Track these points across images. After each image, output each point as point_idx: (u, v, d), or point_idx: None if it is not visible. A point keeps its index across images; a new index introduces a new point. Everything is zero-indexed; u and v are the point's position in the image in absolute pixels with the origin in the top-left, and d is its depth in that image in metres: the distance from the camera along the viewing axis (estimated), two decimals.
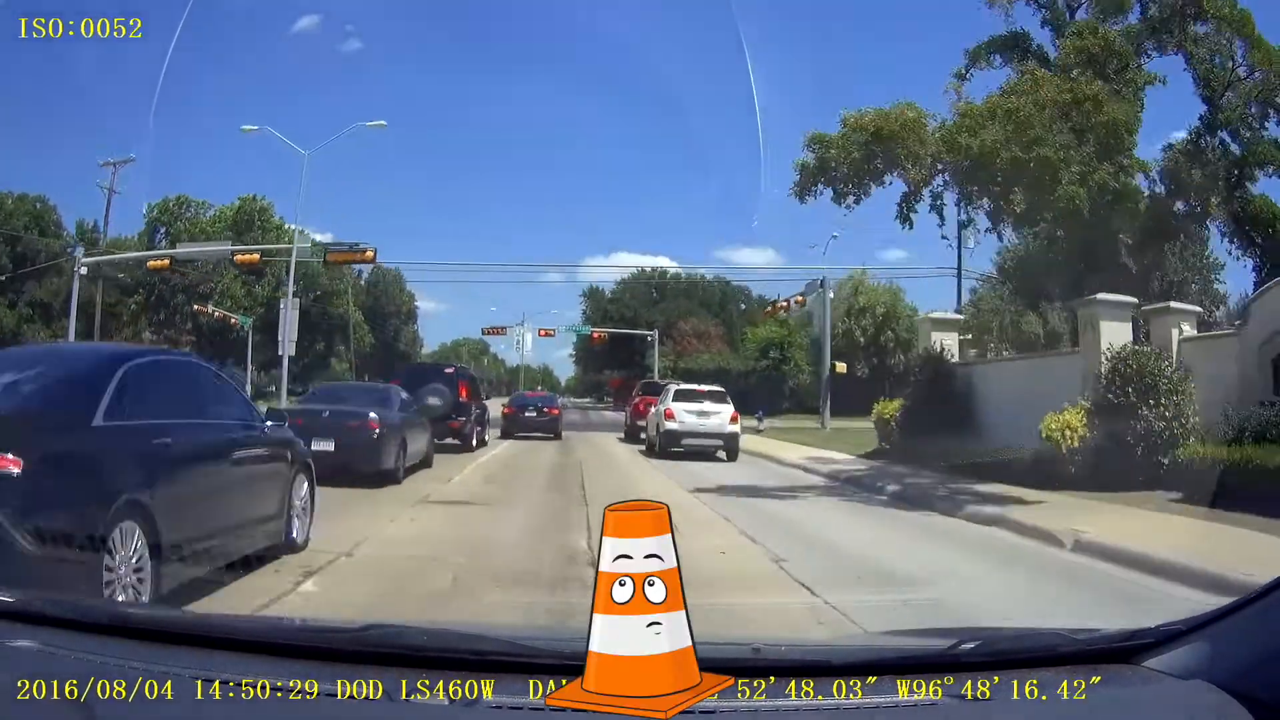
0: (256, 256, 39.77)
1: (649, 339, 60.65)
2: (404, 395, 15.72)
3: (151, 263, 40.57)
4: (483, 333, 69.92)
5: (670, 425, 19.89)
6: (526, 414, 26.51)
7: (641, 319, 67.78)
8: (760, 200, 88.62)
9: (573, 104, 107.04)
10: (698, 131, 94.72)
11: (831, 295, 41.90)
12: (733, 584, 6.53)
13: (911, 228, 14.26)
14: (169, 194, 55.20)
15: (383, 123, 45.28)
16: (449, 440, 19.27)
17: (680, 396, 20.67)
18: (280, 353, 35.35)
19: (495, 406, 28.42)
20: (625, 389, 67.20)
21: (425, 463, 15.41)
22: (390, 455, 12.98)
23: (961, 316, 23.88)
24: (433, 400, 18.67)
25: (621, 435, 28.24)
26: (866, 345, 50.37)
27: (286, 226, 53.42)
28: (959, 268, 38.42)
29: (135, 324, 52.79)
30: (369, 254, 36.74)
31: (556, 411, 27.22)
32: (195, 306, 49.66)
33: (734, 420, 20.29)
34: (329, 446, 11.91)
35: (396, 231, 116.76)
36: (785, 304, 43.98)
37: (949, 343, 19.63)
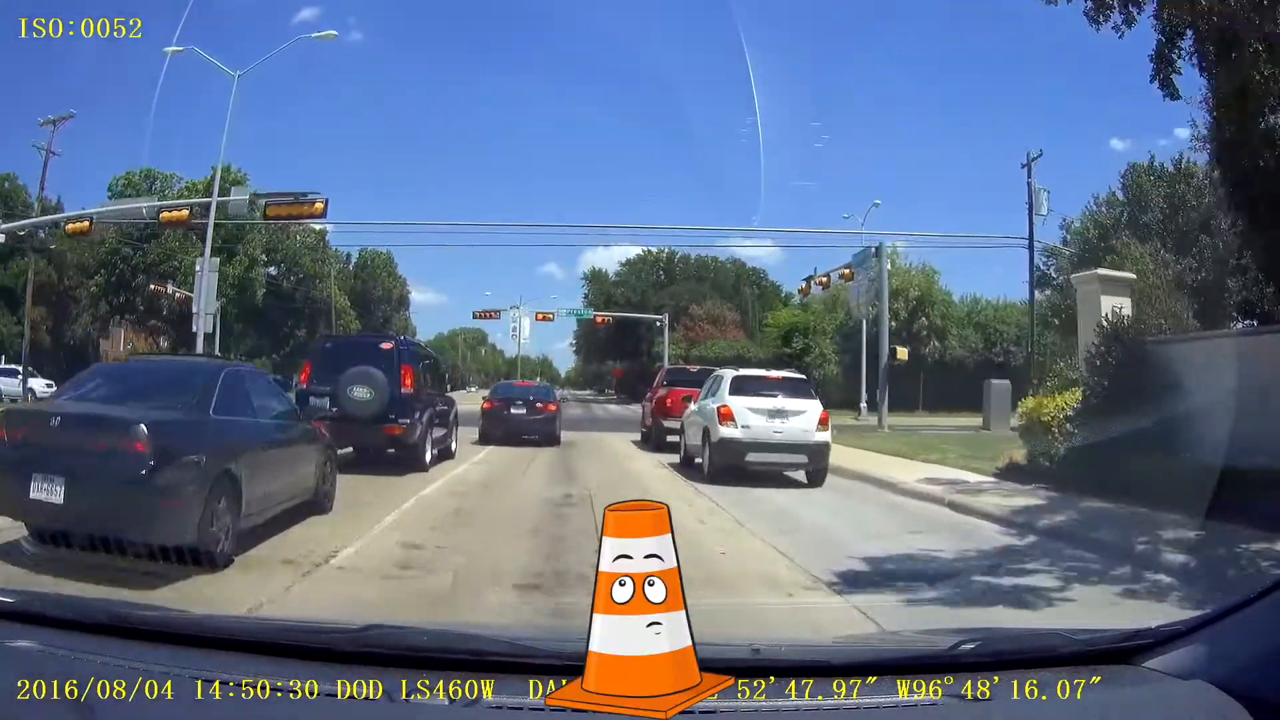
0: (185, 214, 33.42)
1: (658, 324, 55.24)
2: (263, 381, 9.26)
3: (71, 226, 34.64)
4: (474, 316, 61.10)
5: (728, 432, 13.50)
6: (512, 411, 20.45)
7: (649, 303, 61.78)
8: (760, 197, 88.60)
9: (571, 101, 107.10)
10: (698, 129, 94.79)
11: (888, 268, 35.12)
12: None
13: (1176, 97, 10.35)
14: (148, 168, 49.62)
15: (332, 34, 40.39)
16: (392, 452, 13.51)
17: (742, 388, 14.20)
18: (195, 328, 29.79)
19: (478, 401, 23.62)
20: (631, 379, 61.59)
21: (316, 506, 8.98)
22: (186, 515, 6.33)
23: (1133, 276, 17.65)
24: (358, 392, 12.79)
25: (638, 439, 22.18)
26: (898, 331, 42.72)
27: (259, 200, 50.42)
28: (1030, 237, 33.03)
29: (95, 307, 49.76)
30: (318, 206, 29.57)
31: (553, 407, 21.12)
32: (152, 286, 43.93)
33: (824, 424, 13.83)
34: (54, 495, 6.10)
35: (393, 230, 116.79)
36: (825, 279, 37.16)
37: (1125, 310, 13.96)
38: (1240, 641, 1.72)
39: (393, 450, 13.54)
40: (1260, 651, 1.66)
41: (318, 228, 59.11)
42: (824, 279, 37.45)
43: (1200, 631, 1.81)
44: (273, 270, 56.64)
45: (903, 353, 34.07)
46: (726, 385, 14.38)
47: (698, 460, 14.69)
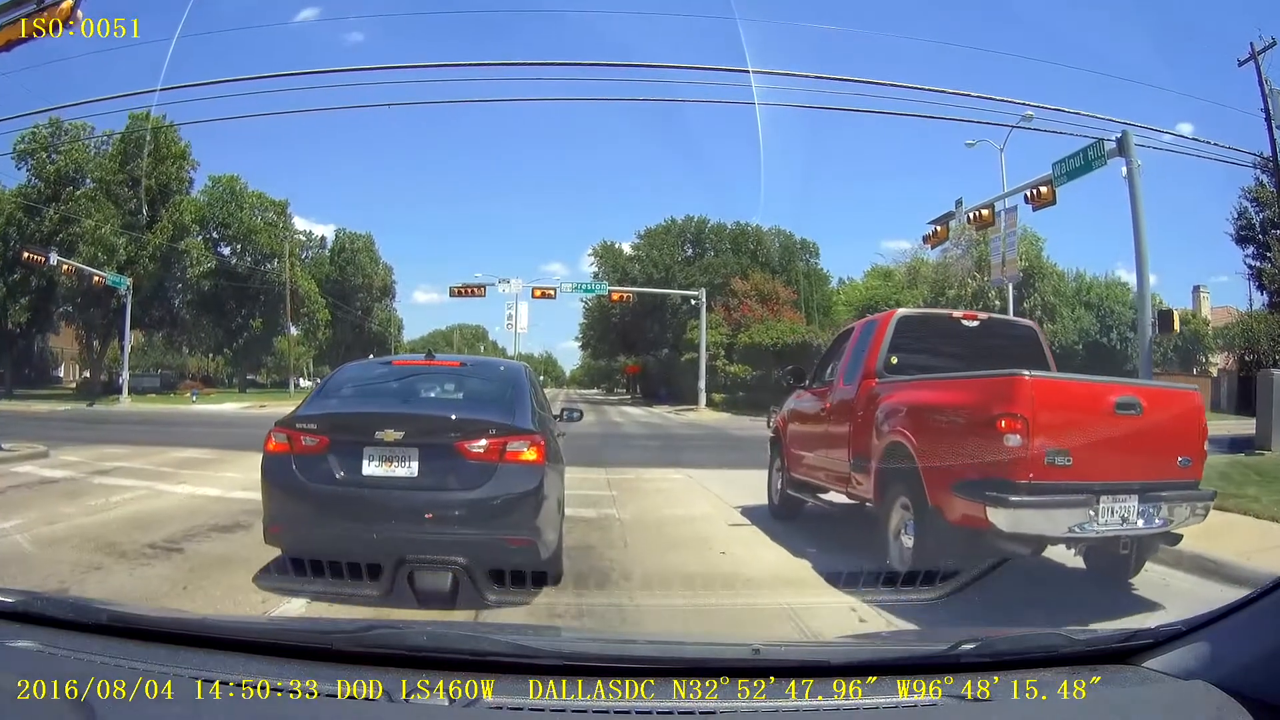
0: None
1: (693, 301, 44.75)
2: None
3: None
4: (451, 294, 45.34)
5: None
6: (366, 469, 5.11)
7: (674, 282, 51.83)
8: (760, 199, 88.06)
9: (570, 104, 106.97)
10: (697, 132, 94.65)
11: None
12: None
13: None
14: (55, 118, 39.43)
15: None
16: None
17: None
18: None
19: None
20: (652, 375, 52.77)
21: None
22: None
23: None
24: None
25: (732, 498, 10.40)
26: (1004, 312, 29.99)
27: (192, 156, 43.48)
28: (1274, 155, 23.08)
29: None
30: (65, 5, 14.59)
31: (525, 453, 5.18)
32: (26, 255, 34.75)
33: None
34: None
35: (390, 231, 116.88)
36: (987, 210, 23.21)
37: None
38: (1240, 641, 1.72)
39: None
40: (1260, 652, 1.65)
41: (277, 199, 53.09)
42: (984, 211, 23.22)
43: (1200, 631, 1.81)
44: (226, 250, 50.67)
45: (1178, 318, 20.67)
46: None
47: None
